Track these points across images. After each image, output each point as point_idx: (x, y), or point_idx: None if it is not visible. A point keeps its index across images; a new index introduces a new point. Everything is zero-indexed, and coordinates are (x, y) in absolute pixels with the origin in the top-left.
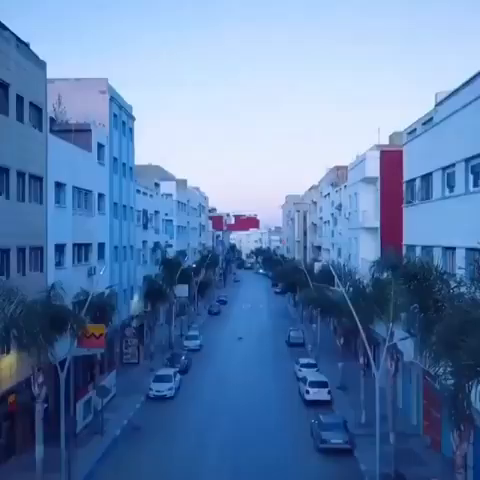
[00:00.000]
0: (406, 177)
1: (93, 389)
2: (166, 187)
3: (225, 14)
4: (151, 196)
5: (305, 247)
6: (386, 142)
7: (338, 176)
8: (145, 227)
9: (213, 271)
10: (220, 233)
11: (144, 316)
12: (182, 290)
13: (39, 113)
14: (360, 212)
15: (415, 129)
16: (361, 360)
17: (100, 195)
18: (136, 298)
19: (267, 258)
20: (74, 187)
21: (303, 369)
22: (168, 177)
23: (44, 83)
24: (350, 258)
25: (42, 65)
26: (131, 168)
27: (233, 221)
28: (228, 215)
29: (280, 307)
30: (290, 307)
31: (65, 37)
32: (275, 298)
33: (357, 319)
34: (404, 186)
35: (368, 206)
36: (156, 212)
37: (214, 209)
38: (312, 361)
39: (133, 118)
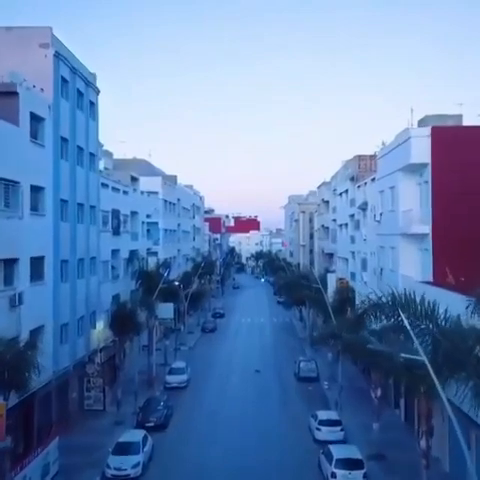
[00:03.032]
0: None
1: None
2: (150, 183)
3: (225, 7)
4: (125, 193)
5: (311, 251)
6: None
7: (360, 168)
8: (116, 232)
9: (209, 279)
10: (218, 236)
11: (114, 347)
12: (166, 310)
13: None
14: (399, 212)
15: None
16: (422, 443)
17: (35, 188)
18: (101, 325)
19: (268, 262)
20: None
21: (323, 428)
22: (156, 173)
23: None
24: (382, 273)
25: None
26: (93, 155)
27: (232, 223)
28: (227, 217)
29: (284, 321)
30: (296, 321)
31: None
32: (277, 308)
33: (441, 391)
34: None
35: (411, 204)
36: (133, 213)
37: (212, 210)
38: (334, 416)
39: (96, 90)
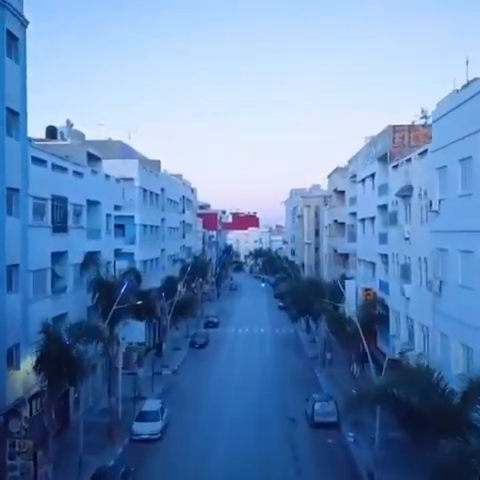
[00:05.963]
0: None
1: None
2: (123, 167)
3: (225, 7)
4: (78, 174)
5: (317, 250)
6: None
7: (395, 143)
8: (61, 228)
9: (201, 281)
10: (214, 233)
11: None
12: (135, 332)
13: None
14: None
15: None
16: None
17: None
18: (30, 363)
19: (268, 260)
20: None
21: None
22: (134, 157)
23: None
24: (441, 289)
25: None
26: (16, 114)
27: (230, 219)
28: (224, 212)
29: (288, 334)
30: (301, 333)
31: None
32: (279, 315)
33: None
34: None
35: None
36: (92, 202)
37: (208, 205)
38: None
39: (23, 21)
